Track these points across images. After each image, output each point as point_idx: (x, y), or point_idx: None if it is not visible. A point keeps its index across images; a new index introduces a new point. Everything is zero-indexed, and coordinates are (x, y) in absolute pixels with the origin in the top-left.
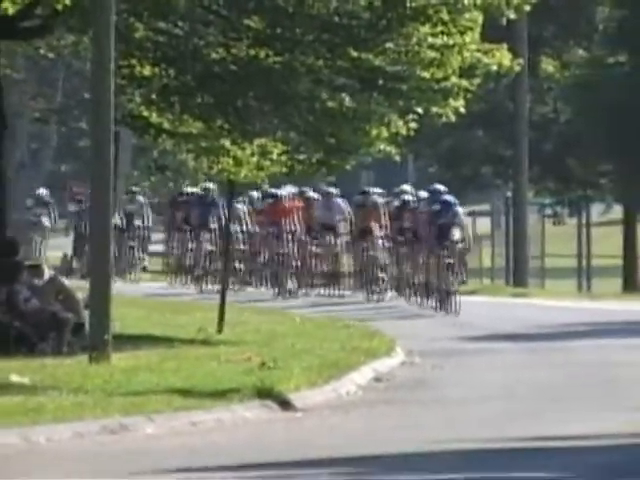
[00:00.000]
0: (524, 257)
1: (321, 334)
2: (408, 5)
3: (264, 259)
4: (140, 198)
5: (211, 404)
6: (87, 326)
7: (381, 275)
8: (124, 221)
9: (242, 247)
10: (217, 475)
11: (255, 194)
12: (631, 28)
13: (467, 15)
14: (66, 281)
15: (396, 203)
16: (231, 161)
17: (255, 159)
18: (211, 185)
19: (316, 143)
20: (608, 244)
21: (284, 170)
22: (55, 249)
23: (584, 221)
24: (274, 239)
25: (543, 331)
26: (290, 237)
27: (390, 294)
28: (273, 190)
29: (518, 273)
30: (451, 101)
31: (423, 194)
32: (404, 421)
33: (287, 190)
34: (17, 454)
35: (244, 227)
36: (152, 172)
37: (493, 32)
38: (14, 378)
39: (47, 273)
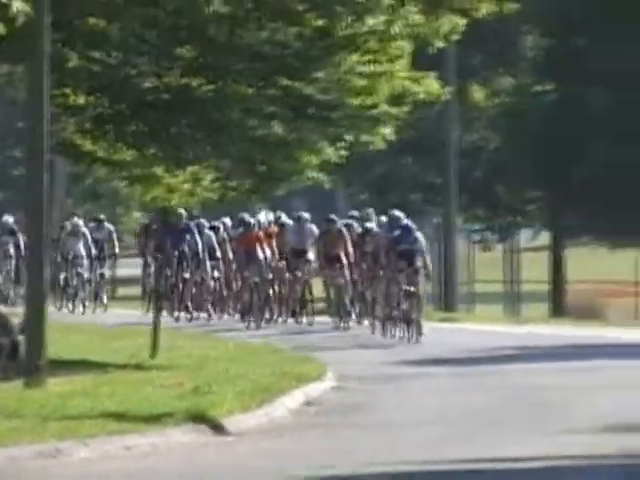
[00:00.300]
0: (454, 282)
1: (254, 359)
2: (337, 34)
3: (238, 287)
4: (108, 226)
5: (145, 428)
6: (22, 351)
7: (348, 303)
8: (92, 250)
9: (215, 275)
10: None
11: (228, 221)
12: (558, 57)
13: (396, 43)
14: (2, 307)
15: (359, 230)
16: (164, 188)
17: (187, 186)
18: (183, 212)
19: (248, 170)
20: (535, 270)
21: (216, 197)
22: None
23: (512, 247)
24: (248, 267)
25: (475, 355)
26: (264, 264)
27: (359, 321)
28: (247, 216)
29: (448, 298)
30: (381, 128)
31: (383, 219)
32: (337, 444)
33: (262, 216)
34: None
35: (216, 254)
36: (87, 199)
37: (423, 60)
38: None
39: None
